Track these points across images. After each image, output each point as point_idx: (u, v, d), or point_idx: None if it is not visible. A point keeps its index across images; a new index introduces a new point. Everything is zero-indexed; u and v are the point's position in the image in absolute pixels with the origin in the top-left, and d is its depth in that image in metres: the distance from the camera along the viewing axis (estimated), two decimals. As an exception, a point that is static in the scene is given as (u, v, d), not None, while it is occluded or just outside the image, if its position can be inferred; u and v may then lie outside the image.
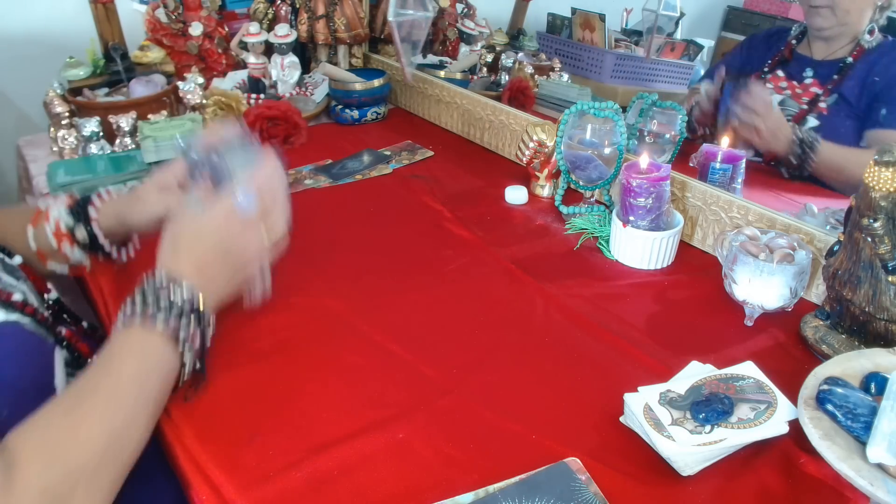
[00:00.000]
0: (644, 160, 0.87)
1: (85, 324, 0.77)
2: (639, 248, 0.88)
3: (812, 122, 1.28)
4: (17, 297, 0.62)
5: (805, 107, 1.30)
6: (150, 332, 0.57)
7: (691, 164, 1.13)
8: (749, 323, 0.78)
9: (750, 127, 1.18)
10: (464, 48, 1.63)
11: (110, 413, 0.51)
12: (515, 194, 1.07)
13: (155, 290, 0.59)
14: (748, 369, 0.66)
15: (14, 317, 0.59)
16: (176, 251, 0.63)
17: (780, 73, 1.38)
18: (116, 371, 0.54)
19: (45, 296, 0.74)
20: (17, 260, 0.72)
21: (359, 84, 1.36)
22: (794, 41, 1.39)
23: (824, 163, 1.17)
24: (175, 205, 0.70)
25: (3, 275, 0.65)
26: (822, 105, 1.28)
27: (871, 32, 1.26)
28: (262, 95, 1.35)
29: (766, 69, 1.40)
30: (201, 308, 0.61)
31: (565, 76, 1.60)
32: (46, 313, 0.67)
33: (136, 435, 0.53)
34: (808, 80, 1.33)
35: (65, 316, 0.75)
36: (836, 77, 1.28)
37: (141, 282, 0.60)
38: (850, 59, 1.27)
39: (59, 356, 0.63)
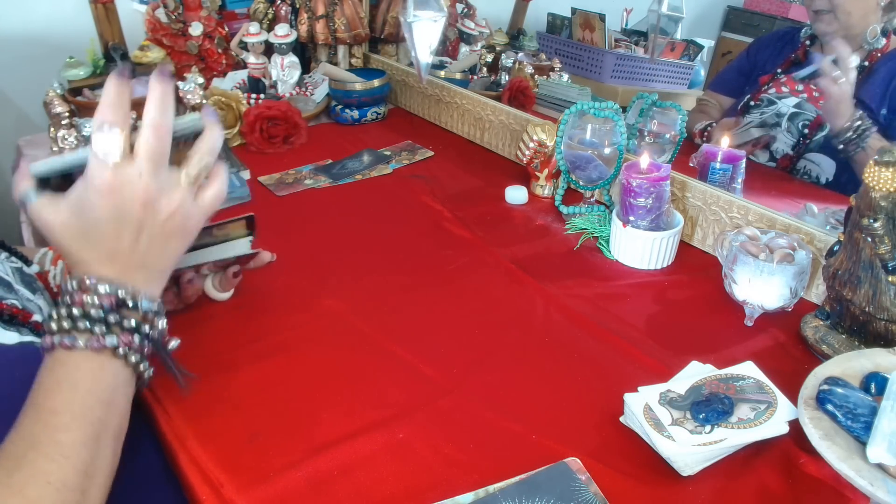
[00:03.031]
0: (644, 160, 0.87)
1: None
2: (639, 248, 0.88)
3: None
4: (36, 317, 0.58)
5: (822, 112, 1.28)
6: (73, 352, 0.49)
7: (691, 164, 1.13)
8: (749, 323, 0.78)
9: (830, 83, 1.14)
10: (464, 48, 1.63)
11: (56, 467, 0.44)
12: (515, 194, 1.07)
13: (67, 304, 0.50)
14: (748, 369, 0.66)
15: (29, 338, 0.56)
16: (72, 252, 0.52)
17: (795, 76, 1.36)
18: (49, 411, 0.46)
19: None
20: (35, 269, 0.72)
21: (359, 84, 1.36)
22: (807, 42, 1.37)
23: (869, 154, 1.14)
24: (36, 213, 0.53)
25: (21, 287, 0.63)
26: None
27: (878, 34, 1.24)
28: (262, 95, 1.35)
29: (779, 70, 1.38)
30: (132, 301, 0.51)
31: (565, 76, 1.59)
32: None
33: (98, 471, 0.47)
34: None
35: None
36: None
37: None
38: (866, 64, 1.25)
39: None
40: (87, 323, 0.49)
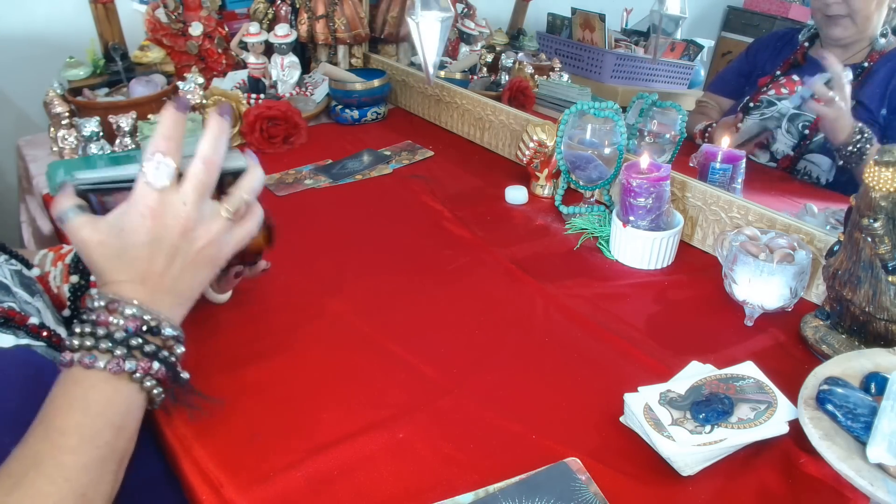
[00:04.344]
0: (644, 160, 0.87)
1: None
2: (639, 248, 0.88)
3: None
4: (33, 320, 0.58)
5: (821, 130, 1.27)
6: (90, 371, 0.49)
7: (691, 164, 1.13)
8: (749, 323, 0.78)
9: (826, 99, 1.13)
10: (464, 48, 1.63)
11: (55, 489, 0.44)
12: (515, 194, 1.07)
13: (92, 322, 0.50)
14: (748, 369, 0.66)
15: (25, 340, 0.56)
16: (105, 271, 0.53)
17: (794, 77, 1.34)
18: (57, 431, 0.46)
19: (61, 312, 0.72)
20: (35, 272, 0.72)
21: (359, 84, 1.36)
22: (806, 43, 1.37)
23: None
24: (74, 231, 0.54)
25: (20, 290, 0.63)
26: None
27: (884, 35, 1.23)
28: (262, 95, 1.35)
29: (778, 72, 1.37)
30: (155, 327, 0.52)
31: (565, 76, 1.59)
32: (62, 332, 0.62)
33: (99, 496, 0.46)
34: None
35: None
36: (852, 83, 1.26)
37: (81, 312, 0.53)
38: (866, 64, 1.24)
39: None
40: (110, 344, 0.50)
